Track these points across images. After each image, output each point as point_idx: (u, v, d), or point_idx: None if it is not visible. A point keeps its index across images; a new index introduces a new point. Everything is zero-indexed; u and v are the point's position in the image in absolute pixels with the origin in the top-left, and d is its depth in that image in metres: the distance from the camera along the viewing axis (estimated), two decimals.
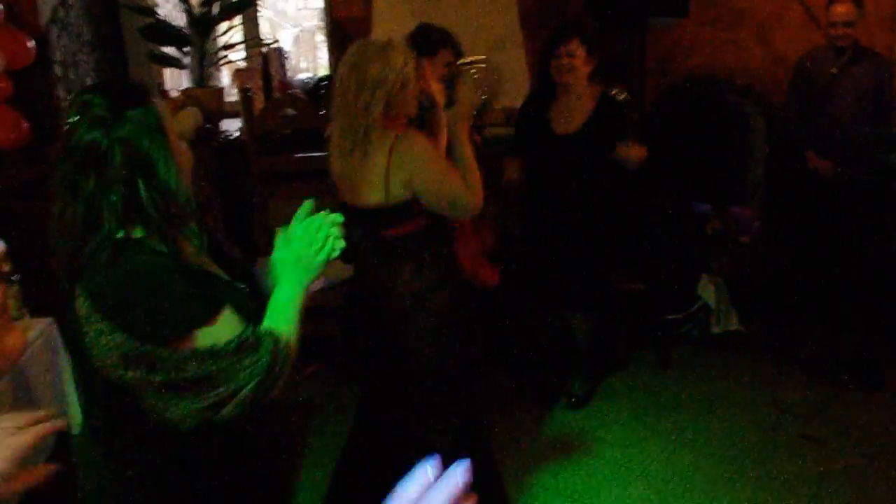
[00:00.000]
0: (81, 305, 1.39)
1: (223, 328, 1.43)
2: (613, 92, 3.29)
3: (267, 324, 1.49)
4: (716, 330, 3.99)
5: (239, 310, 1.49)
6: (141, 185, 1.41)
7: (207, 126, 3.99)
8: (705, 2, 4.16)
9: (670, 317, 3.98)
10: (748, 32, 4.27)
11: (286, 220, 1.61)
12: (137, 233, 1.44)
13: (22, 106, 3.62)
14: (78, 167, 1.41)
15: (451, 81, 2.54)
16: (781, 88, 4.13)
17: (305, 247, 1.53)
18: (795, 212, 4.05)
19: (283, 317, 1.51)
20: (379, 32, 3.95)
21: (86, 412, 1.62)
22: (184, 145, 1.55)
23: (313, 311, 3.77)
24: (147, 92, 1.48)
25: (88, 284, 1.40)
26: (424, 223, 2.38)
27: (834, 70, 3.82)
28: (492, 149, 3.90)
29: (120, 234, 1.42)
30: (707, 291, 3.95)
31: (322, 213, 1.57)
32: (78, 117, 1.41)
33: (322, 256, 1.54)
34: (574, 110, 3.34)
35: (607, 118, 3.28)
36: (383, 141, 2.26)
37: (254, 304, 1.56)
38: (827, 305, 3.97)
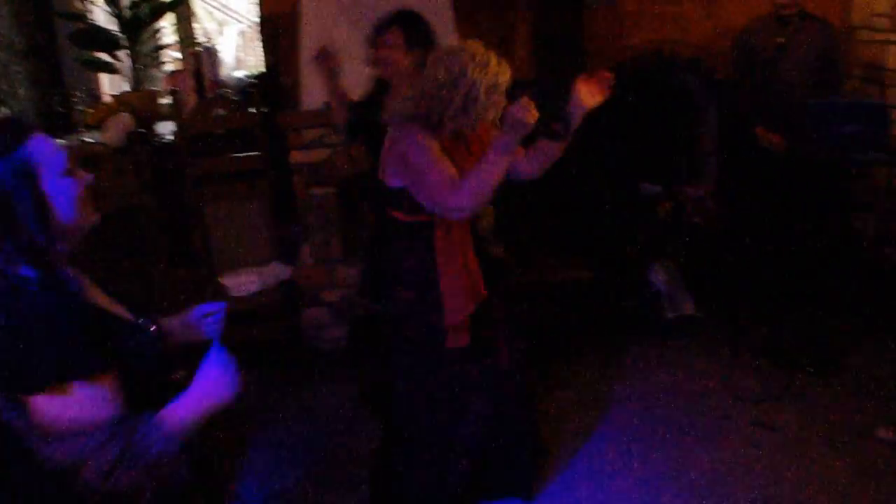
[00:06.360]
0: None
1: (101, 390, 1.41)
2: None
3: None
4: (669, 315, 3.85)
5: (136, 357, 1.51)
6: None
7: (140, 130, 3.91)
8: None
9: (622, 304, 3.84)
10: (693, 4, 4.11)
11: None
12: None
13: None
14: None
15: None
16: (730, 61, 3.96)
17: (230, 373, 1.53)
18: (750, 190, 3.88)
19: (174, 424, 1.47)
20: (307, 26, 3.83)
21: None
22: (79, 176, 1.50)
23: (249, 314, 3.73)
24: (16, 136, 1.44)
25: None
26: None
27: (781, 39, 3.67)
28: None
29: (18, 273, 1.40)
30: (659, 276, 3.81)
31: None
32: None
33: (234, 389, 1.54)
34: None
35: None
36: None
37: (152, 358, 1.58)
38: (784, 287, 3.81)
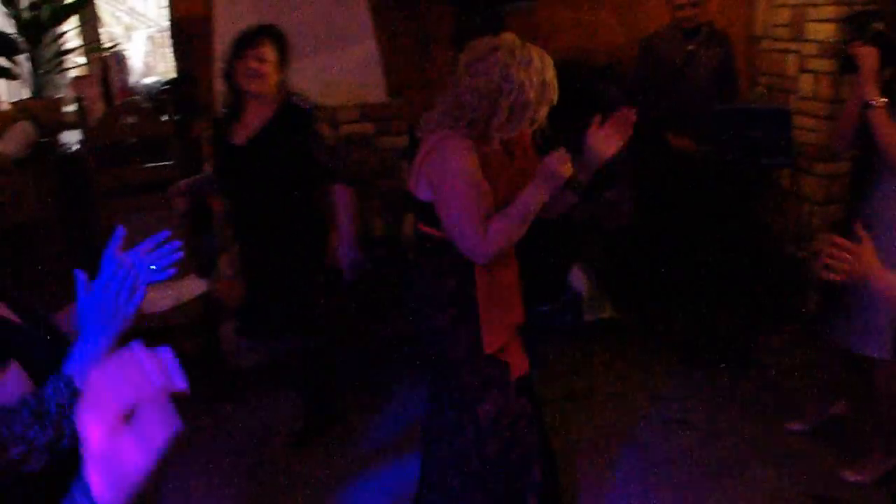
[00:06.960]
0: None
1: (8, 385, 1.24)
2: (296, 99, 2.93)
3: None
4: (588, 318, 3.92)
5: (30, 364, 1.29)
6: None
7: (44, 140, 3.72)
8: None
9: (541, 308, 3.88)
10: (607, 12, 4.20)
11: (135, 236, 1.36)
12: None
13: None
14: None
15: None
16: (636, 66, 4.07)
17: (112, 294, 1.25)
18: (665, 194, 3.99)
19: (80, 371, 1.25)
20: (220, 30, 3.73)
21: None
22: None
23: (165, 330, 3.60)
24: None
25: None
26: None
27: (692, 47, 3.80)
28: (346, 147, 3.75)
29: None
30: (578, 279, 3.87)
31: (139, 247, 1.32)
32: None
33: (131, 306, 1.26)
34: (254, 118, 2.89)
35: (287, 126, 2.88)
36: None
37: (51, 354, 1.36)
38: (699, 288, 3.94)
